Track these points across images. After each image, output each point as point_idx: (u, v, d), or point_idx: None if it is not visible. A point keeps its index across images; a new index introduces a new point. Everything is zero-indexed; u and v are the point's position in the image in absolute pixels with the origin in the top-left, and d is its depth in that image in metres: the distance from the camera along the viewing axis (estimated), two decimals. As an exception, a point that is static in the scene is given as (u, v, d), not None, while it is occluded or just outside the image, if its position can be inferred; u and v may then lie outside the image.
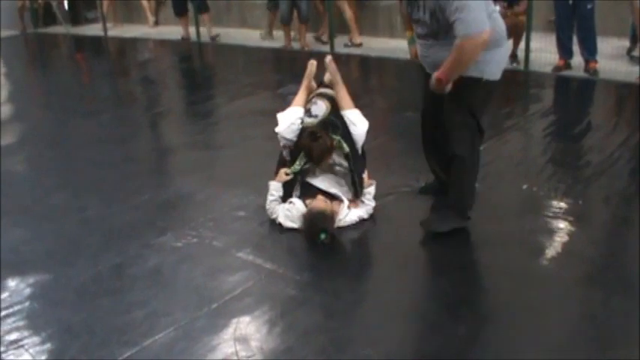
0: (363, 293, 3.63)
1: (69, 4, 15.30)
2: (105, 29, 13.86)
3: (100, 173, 5.54)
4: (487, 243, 4.11)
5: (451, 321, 3.31)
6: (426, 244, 4.10)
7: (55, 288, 3.79)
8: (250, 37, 11.60)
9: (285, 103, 4.94)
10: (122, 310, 3.51)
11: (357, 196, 4.42)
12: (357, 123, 4.45)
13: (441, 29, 3.77)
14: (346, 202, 4.36)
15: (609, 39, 8.58)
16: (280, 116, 4.61)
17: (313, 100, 4.62)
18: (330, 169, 4.50)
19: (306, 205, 4.27)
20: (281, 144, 4.56)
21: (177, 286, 3.74)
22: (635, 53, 8.35)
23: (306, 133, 4.35)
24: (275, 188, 4.41)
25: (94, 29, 14.30)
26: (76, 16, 15.30)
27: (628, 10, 8.40)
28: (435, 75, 3.84)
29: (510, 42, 7.19)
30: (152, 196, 4.99)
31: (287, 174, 4.41)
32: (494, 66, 3.90)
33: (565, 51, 8.18)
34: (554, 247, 4.01)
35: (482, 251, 4.05)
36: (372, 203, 4.48)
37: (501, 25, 3.92)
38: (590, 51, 7.94)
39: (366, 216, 4.39)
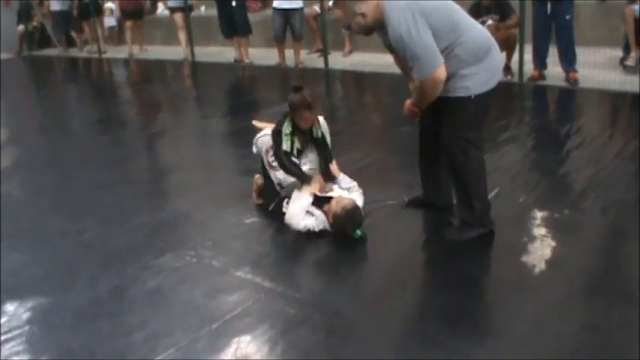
0: (363, 310, 3.60)
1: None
2: (100, 51, 13.93)
3: (96, 195, 5.54)
4: (485, 256, 4.11)
5: (452, 336, 3.29)
6: (422, 258, 4.10)
7: (54, 312, 3.77)
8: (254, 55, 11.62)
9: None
10: (122, 333, 3.49)
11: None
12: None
13: None
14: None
15: (602, 49, 8.62)
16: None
17: None
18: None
19: (323, 210, 4.37)
20: (263, 151, 4.71)
21: (177, 307, 3.72)
22: (629, 62, 8.37)
23: (291, 92, 4.52)
24: (307, 202, 4.44)
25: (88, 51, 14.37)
26: (70, 39, 15.36)
27: (620, 19, 8.47)
28: (407, 105, 4.25)
29: (504, 55, 7.23)
30: (150, 217, 4.98)
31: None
32: (479, 79, 3.95)
33: (540, 62, 8.21)
34: (552, 258, 4.00)
35: (480, 265, 4.04)
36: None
37: (479, 41, 3.95)
38: (569, 61, 7.99)
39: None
